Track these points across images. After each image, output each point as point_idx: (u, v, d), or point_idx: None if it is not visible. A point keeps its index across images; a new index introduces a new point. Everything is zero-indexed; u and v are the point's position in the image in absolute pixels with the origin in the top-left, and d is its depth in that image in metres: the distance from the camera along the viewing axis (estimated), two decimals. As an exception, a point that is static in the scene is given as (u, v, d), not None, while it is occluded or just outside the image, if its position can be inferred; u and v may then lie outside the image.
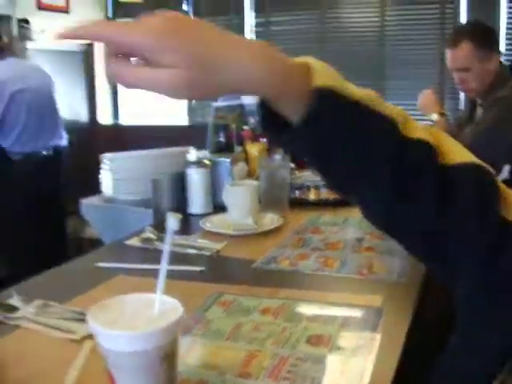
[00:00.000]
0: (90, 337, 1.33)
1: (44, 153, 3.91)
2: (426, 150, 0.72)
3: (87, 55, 6.14)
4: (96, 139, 4.41)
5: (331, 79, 0.72)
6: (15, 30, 4.67)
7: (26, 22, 4.95)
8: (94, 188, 2.57)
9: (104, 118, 6.26)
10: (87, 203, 2.19)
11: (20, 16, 4.87)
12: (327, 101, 0.70)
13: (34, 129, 3.86)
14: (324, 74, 0.72)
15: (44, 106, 3.94)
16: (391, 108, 0.74)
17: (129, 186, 2.07)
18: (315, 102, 0.69)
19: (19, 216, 3.74)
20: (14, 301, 1.51)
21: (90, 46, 6.14)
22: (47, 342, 1.34)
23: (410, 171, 0.71)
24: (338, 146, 0.71)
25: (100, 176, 2.20)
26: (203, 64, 0.65)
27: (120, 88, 6.57)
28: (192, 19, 0.71)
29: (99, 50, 6.22)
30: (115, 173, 2.08)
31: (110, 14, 6.36)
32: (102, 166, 2.17)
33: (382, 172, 0.71)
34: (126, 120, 6.49)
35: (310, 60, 0.73)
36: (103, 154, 2.16)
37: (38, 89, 3.94)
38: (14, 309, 1.48)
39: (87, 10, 6.10)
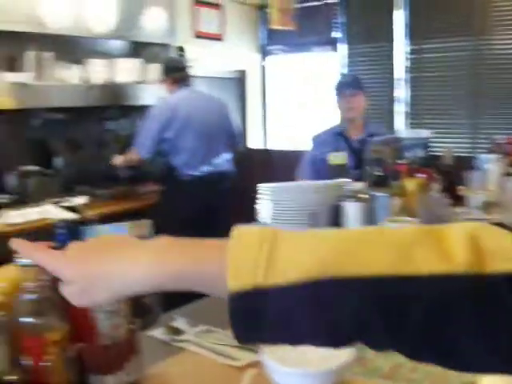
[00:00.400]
0: (252, 365, 1.38)
1: (210, 175, 4.09)
2: (444, 281, 0.60)
3: (240, 82, 6.32)
4: (247, 163, 4.52)
5: (251, 274, 0.65)
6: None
7: (182, 49, 5.18)
8: (246, 209, 2.64)
9: (254, 142, 6.40)
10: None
11: (178, 44, 5.11)
12: (246, 310, 0.65)
13: (202, 153, 4.07)
14: (240, 270, 0.66)
15: (214, 132, 4.15)
16: (382, 247, 0.64)
17: (287, 217, 2.11)
18: (235, 316, 0.66)
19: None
20: (179, 323, 1.59)
21: (243, 72, 6.33)
22: (210, 366, 1.40)
23: (423, 316, 0.61)
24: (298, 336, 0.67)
25: (257, 204, 2.26)
26: (88, 285, 0.79)
27: (269, 114, 6.73)
28: (93, 245, 0.83)
29: (251, 76, 6.39)
30: (274, 203, 2.13)
31: (263, 41, 6.54)
32: (261, 195, 2.23)
33: (384, 338, 0.63)
34: (274, 144, 6.61)
35: (230, 248, 0.68)
36: (262, 184, 2.22)
37: (210, 116, 4.17)
38: (179, 331, 1.56)
39: (241, 38, 6.30)
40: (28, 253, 0.87)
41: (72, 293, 0.81)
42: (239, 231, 0.69)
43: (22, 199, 3.93)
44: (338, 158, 3.76)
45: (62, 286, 0.82)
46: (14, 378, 1.12)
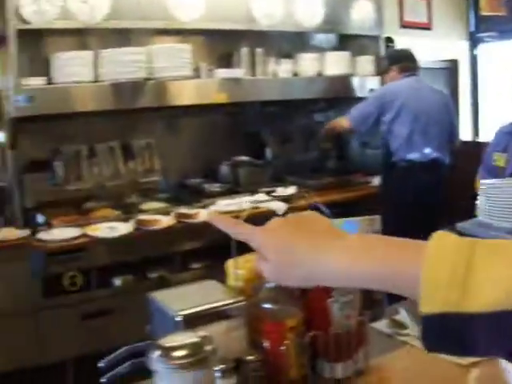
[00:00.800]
0: (476, 364, 1.37)
1: (425, 163, 4.07)
2: None
3: (450, 72, 6.16)
4: (459, 155, 4.39)
5: (444, 299, 0.65)
6: (382, 49, 4.88)
7: (391, 40, 5.15)
8: (461, 204, 2.58)
9: (464, 134, 6.18)
10: (462, 226, 2.22)
11: (385, 35, 5.08)
12: (439, 333, 0.67)
13: (416, 140, 4.07)
14: (433, 293, 0.65)
15: (431, 122, 4.12)
16: None
17: (503, 215, 2.04)
18: (425, 332, 0.68)
19: (403, 221, 3.86)
20: (403, 317, 1.61)
21: (455, 62, 6.16)
22: (433, 362, 1.40)
23: None
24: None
25: (476, 200, 2.22)
26: (282, 263, 0.81)
27: (481, 104, 6.47)
28: (301, 222, 0.84)
29: (463, 67, 6.19)
30: (491, 199, 2.08)
31: (472, 29, 6.30)
32: (479, 191, 2.18)
33: None
34: (485, 137, 6.35)
35: (425, 262, 0.67)
36: (482, 180, 2.18)
37: (430, 106, 4.15)
38: (402, 325, 1.58)
39: (449, 26, 6.12)
40: (227, 226, 0.90)
41: (267, 269, 0.83)
42: (437, 241, 0.69)
43: (233, 188, 4.13)
44: (500, 159, 3.53)
45: (259, 260, 0.84)
46: (253, 358, 1.20)
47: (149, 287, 3.54)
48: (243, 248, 1.11)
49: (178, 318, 1.16)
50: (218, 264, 3.56)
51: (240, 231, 0.89)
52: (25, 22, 3.42)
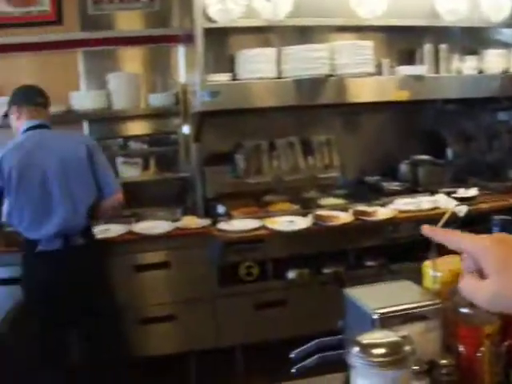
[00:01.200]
0: None
1: None
2: None
3: None
4: None
5: None
6: None
7: None
8: None
9: None
10: None
11: None
12: None
13: None
14: None
15: None
16: None
17: None
18: None
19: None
20: None
21: None
22: None
23: None
24: None
25: None
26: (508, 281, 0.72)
27: None
28: None
29: None
30: None
31: None
32: None
33: None
34: None
35: None
36: None
37: None
38: None
39: None
40: (447, 238, 0.83)
41: (485, 290, 0.76)
42: None
43: (412, 187, 4.07)
44: None
45: (470, 279, 0.78)
46: (446, 362, 1.19)
47: (322, 282, 3.60)
48: (440, 250, 1.10)
49: (375, 316, 1.17)
50: (392, 263, 3.54)
51: (463, 243, 0.81)
52: (211, 20, 3.56)
